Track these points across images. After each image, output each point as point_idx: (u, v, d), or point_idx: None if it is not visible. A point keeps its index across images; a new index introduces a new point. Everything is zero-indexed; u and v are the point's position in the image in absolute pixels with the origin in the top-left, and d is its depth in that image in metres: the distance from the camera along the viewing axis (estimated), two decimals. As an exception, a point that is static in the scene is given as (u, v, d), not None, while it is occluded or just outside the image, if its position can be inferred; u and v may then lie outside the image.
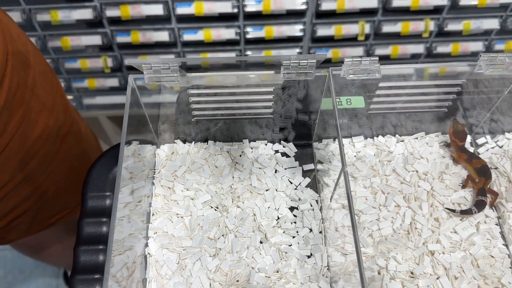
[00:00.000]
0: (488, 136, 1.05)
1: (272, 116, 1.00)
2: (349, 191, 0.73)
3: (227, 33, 1.75)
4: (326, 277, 0.88)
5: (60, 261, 1.87)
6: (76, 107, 2.17)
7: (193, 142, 1.04)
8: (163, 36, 1.82)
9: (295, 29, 1.77)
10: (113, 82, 2.08)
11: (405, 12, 1.80)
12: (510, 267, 0.90)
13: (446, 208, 0.93)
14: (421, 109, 0.98)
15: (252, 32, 1.75)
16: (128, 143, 0.96)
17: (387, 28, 1.84)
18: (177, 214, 0.94)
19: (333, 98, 0.82)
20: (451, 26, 1.83)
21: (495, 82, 0.97)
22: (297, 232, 0.93)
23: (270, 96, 0.93)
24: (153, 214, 0.94)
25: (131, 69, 1.93)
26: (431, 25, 1.92)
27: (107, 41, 1.89)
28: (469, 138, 1.05)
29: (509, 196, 0.95)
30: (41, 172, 1.15)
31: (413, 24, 1.91)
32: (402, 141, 1.04)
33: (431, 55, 2.00)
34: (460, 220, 0.94)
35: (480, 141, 1.05)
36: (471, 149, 1.03)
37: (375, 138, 1.04)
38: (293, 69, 0.83)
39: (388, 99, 0.95)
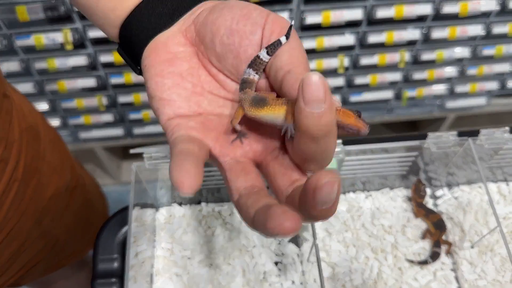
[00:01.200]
0: (446, 188, 1.21)
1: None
2: (319, 262, 0.88)
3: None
4: (306, 324, 1.04)
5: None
6: (73, 140, 2.29)
7: (188, 205, 1.18)
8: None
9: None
10: (108, 117, 2.20)
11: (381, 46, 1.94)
12: (463, 309, 1.06)
13: (406, 260, 1.09)
14: (386, 172, 1.13)
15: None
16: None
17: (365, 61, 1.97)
18: (176, 273, 1.09)
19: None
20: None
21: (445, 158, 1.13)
22: (281, 284, 1.09)
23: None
24: (156, 275, 1.09)
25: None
26: (406, 56, 2.08)
27: (101, 83, 2.01)
28: (429, 191, 1.20)
29: (460, 245, 1.11)
30: (54, 226, 1.29)
31: (389, 56, 2.07)
32: (370, 195, 1.19)
33: (408, 81, 2.16)
34: (420, 268, 1.09)
35: (438, 193, 1.20)
36: (431, 201, 1.19)
37: (346, 194, 1.20)
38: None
39: (356, 168, 1.10)
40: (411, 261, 1.09)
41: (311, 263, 1.10)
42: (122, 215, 1.16)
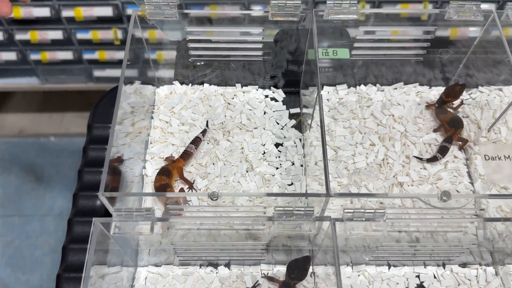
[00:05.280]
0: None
1: (262, 60, 1.09)
2: (322, 110, 0.82)
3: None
4: (303, 203, 0.97)
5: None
6: (86, 78, 2.27)
7: (190, 85, 1.14)
8: None
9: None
10: (122, 55, 2.17)
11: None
12: (473, 204, 0.98)
13: (414, 156, 1.02)
14: (398, 57, 1.07)
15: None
16: (131, 82, 1.06)
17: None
18: (173, 144, 1.04)
19: (314, 36, 0.91)
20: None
21: (466, 40, 1.06)
22: (280, 164, 1.03)
23: (260, 38, 1.03)
24: (151, 143, 1.04)
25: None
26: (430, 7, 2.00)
27: (117, 13, 1.98)
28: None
29: (476, 140, 1.04)
30: None
31: None
32: (382, 90, 1.13)
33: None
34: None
35: (454, 93, 1.13)
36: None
37: (357, 86, 1.14)
38: (280, 9, 0.93)
39: (368, 45, 1.04)
40: (419, 158, 1.01)
41: (313, 147, 1.04)
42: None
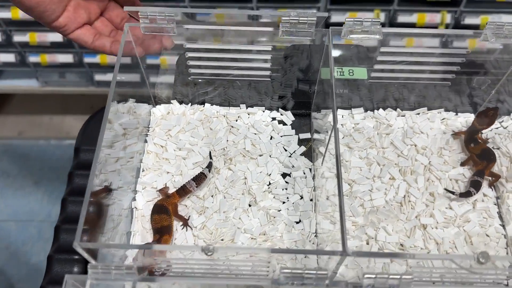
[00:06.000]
0: (494, 117, 1.02)
1: (270, 79, 0.98)
2: (337, 146, 0.70)
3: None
4: (312, 243, 0.86)
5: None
6: (86, 82, 2.18)
7: (190, 104, 1.03)
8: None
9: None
10: (126, 59, 2.08)
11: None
12: (505, 248, 0.87)
13: (445, 189, 0.90)
14: (424, 80, 0.95)
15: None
16: (124, 100, 0.96)
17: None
18: (168, 172, 0.93)
19: (330, 56, 0.80)
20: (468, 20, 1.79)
21: (502, 63, 0.95)
22: (287, 198, 0.92)
23: (268, 56, 0.91)
24: (143, 170, 0.93)
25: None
26: (448, 18, 1.88)
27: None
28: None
29: (509, 176, 0.92)
30: None
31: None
32: (403, 115, 1.02)
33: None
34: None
35: (484, 121, 1.01)
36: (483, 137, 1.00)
37: (375, 111, 1.02)
38: (292, 27, 0.81)
39: (390, 67, 0.93)
40: (452, 192, 0.90)
41: (325, 179, 0.92)
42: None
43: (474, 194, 0.89)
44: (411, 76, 0.94)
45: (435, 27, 1.84)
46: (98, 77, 2.16)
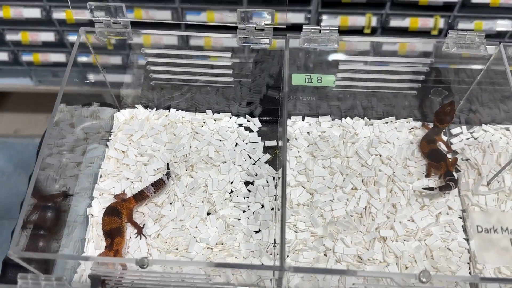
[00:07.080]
0: (464, 127, 0.99)
1: (239, 85, 0.97)
2: (285, 159, 0.69)
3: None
4: (270, 254, 0.85)
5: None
6: (81, 81, 2.17)
7: (155, 109, 1.02)
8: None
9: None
10: (116, 60, 2.08)
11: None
12: (467, 263, 0.84)
13: (423, 188, 0.88)
14: (391, 89, 0.93)
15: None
16: (89, 104, 0.96)
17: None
18: (127, 178, 0.92)
19: (285, 64, 0.78)
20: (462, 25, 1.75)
21: (469, 71, 0.92)
22: (248, 206, 0.90)
23: (229, 63, 0.90)
24: (101, 176, 0.92)
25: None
26: (441, 23, 1.85)
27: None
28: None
29: (475, 189, 0.90)
30: None
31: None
32: (371, 124, 1.00)
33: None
34: (420, 209, 0.88)
35: (454, 131, 0.99)
36: (444, 138, 0.97)
37: (343, 119, 1.00)
38: (250, 34, 0.80)
39: (355, 76, 0.91)
40: (430, 189, 0.87)
41: (290, 187, 0.91)
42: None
43: (453, 187, 0.87)
44: (379, 85, 0.92)
45: (428, 32, 1.80)
46: (92, 76, 2.16)
